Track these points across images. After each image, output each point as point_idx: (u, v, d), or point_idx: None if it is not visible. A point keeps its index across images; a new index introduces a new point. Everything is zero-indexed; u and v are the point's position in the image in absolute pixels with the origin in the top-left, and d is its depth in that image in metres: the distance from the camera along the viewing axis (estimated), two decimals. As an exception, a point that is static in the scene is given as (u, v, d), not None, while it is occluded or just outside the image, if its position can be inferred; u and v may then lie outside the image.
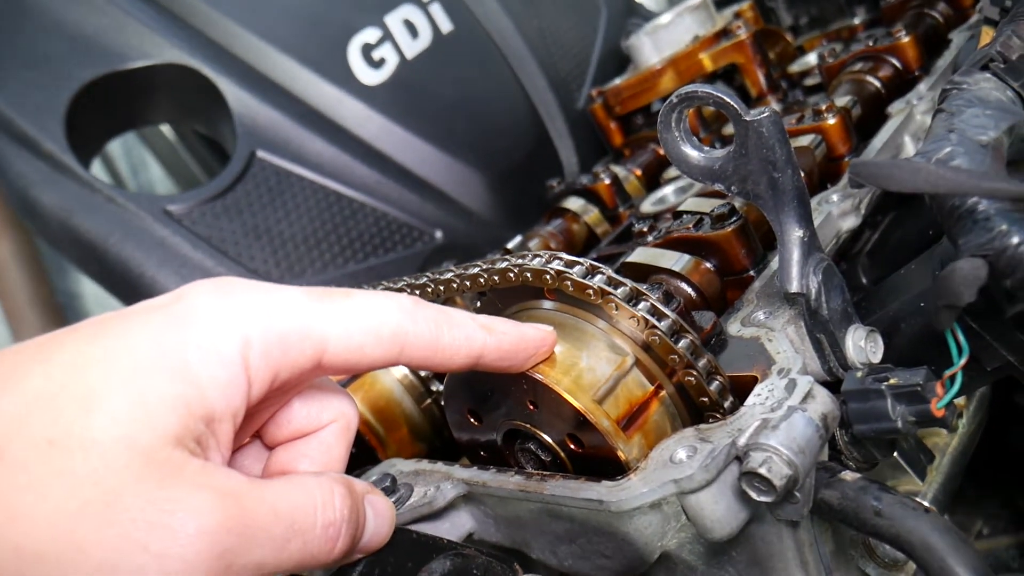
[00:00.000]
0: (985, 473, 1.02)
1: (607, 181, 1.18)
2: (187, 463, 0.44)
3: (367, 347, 0.52)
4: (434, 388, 0.89)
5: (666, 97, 1.29)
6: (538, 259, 0.67)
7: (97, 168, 1.17)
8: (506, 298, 0.72)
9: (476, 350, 0.57)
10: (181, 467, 0.44)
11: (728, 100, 0.58)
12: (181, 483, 0.43)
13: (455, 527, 0.70)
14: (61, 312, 2.51)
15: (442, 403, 0.83)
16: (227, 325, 0.47)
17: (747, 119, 0.58)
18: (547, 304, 0.69)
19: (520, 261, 0.68)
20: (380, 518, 0.55)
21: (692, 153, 0.64)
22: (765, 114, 0.58)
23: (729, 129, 1.20)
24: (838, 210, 0.79)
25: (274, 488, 0.48)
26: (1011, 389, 0.94)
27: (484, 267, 0.71)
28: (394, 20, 1.35)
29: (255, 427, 0.56)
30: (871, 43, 1.09)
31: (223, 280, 0.51)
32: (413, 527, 0.64)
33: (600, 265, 0.66)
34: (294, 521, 0.47)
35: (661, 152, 1.28)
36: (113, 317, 0.48)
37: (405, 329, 0.53)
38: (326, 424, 0.57)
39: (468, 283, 0.73)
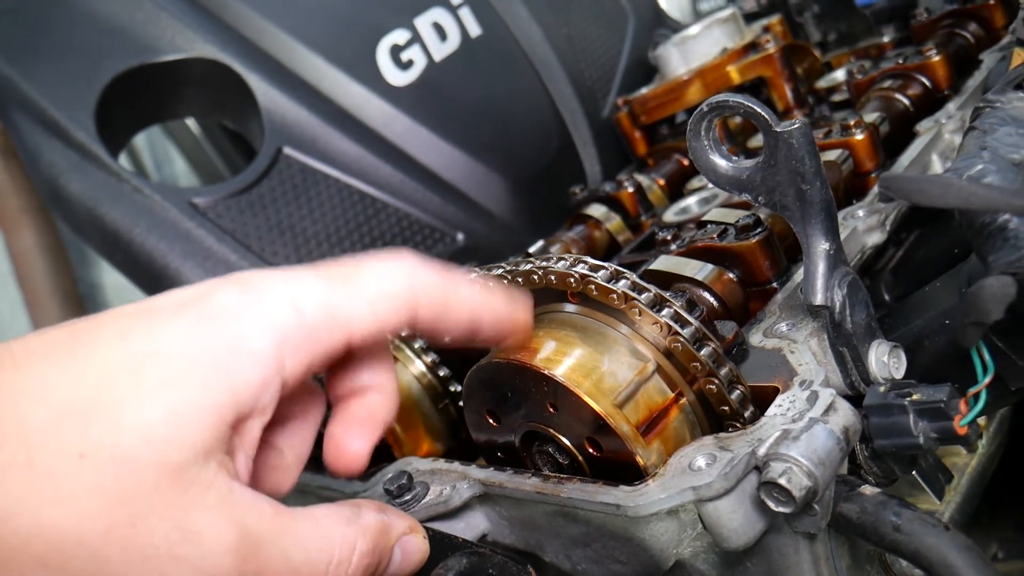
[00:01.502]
0: (1001, 496, 1.01)
1: (630, 189, 1.18)
2: (214, 483, 0.44)
3: (388, 318, 0.52)
4: (452, 388, 0.89)
5: (692, 108, 1.30)
6: (563, 262, 0.67)
7: (123, 160, 1.18)
8: (529, 300, 0.72)
9: (477, 309, 0.57)
10: (207, 489, 0.44)
11: (759, 110, 0.58)
12: (205, 511, 0.44)
13: (470, 527, 0.70)
14: (82, 302, 2.53)
15: (460, 403, 0.84)
16: (259, 325, 0.47)
17: (777, 130, 0.58)
18: (570, 307, 0.69)
19: (544, 264, 0.68)
20: (407, 561, 0.55)
21: (720, 162, 0.64)
22: (796, 125, 0.58)
23: (755, 142, 1.20)
24: (864, 225, 0.79)
25: (294, 532, 0.48)
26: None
27: (508, 268, 0.71)
28: (423, 23, 1.35)
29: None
30: (900, 61, 1.08)
31: (244, 276, 0.50)
32: (428, 525, 0.64)
33: (625, 270, 0.66)
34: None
35: (685, 162, 1.28)
36: (140, 313, 0.47)
37: (417, 292, 0.53)
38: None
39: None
